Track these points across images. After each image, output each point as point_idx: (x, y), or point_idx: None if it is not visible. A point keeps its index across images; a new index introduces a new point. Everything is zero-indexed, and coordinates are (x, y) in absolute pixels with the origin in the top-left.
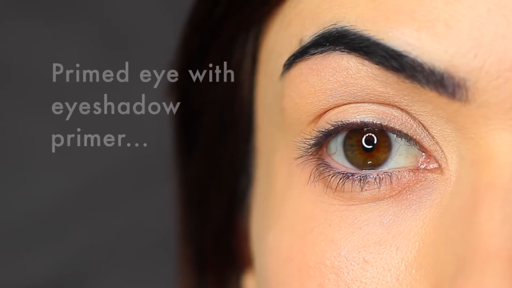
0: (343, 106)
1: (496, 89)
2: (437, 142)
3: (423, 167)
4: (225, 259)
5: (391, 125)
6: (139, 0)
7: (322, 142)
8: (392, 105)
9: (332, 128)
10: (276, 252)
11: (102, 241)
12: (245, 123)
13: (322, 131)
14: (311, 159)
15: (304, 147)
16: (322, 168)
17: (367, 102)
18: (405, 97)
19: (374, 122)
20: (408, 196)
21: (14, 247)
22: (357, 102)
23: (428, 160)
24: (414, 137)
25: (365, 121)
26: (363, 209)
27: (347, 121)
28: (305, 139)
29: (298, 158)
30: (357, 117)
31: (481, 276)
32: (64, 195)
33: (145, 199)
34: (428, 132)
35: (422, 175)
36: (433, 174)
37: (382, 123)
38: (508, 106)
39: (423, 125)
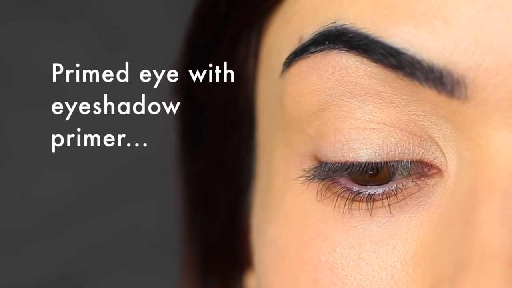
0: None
1: (495, 86)
2: (436, 143)
3: (426, 171)
4: (230, 259)
5: (390, 159)
6: (139, 0)
7: (323, 178)
8: (390, 103)
9: (332, 172)
10: (274, 246)
11: (102, 241)
12: (248, 120)
13: (322, 177)
14: (316, 181)
15: (304, 174)
16: (329, 183)
17: (366, 101)
18: (404, 96)
19: (374, 161)
20: (408, 201)
21: (14, 247)
22: (356, 99)
23: (430, 167)
24: (415, 159)
25: (362, 160)
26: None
27: (345, 161)
28: (303, 170)
29: (299, 178)
30: (355, 156)
31: (479, 277)
32: (64, 195)
33: (145, 199)
34: (428, 134)
35: (424, 182)
36: (433, 179)
37: (381, 160)
38: (507, 104)
39: (421, 127)
